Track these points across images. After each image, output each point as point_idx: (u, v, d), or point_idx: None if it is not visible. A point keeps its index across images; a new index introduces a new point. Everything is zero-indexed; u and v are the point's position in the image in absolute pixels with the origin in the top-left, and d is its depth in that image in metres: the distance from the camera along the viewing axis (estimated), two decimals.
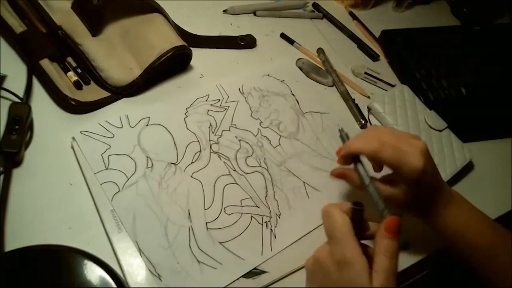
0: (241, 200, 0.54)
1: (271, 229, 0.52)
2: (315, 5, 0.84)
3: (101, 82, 0.58)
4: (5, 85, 0.55)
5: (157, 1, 0.63)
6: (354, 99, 0.70)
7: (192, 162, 0.55)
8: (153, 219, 0.49)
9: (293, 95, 0.67)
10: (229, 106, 0.62)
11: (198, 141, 0.57)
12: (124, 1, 0.61)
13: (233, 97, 0.63)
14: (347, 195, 0.58)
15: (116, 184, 0.50)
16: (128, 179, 0.51)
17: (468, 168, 0.66)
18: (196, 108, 0.60)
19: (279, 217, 0.54)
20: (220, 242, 0.50)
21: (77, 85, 0.57)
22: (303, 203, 0.56)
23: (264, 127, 0.61)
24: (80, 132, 0.53)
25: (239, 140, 0.59)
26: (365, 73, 0.75)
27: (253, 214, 0.53)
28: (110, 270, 0.44)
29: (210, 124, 0.59)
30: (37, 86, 0.57)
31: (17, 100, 0.54)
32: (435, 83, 0.75)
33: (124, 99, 0.59)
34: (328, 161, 0.61)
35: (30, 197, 0.48)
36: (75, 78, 0.58)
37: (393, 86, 0.74)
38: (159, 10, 0.63)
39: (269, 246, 0.51)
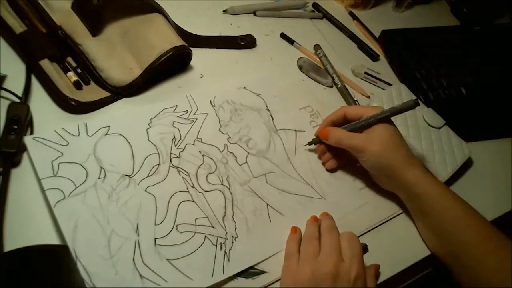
0: (196, 219, 0.51)
1: (225, 251, 0.49)
2: (315, 5, 0.84)
3: (101, 82, 0.58)
4: (5, 85, 0.55)
5: (157, 1, 0.63)
6: (354, 96, 0.70)
7: (148, 176, 0.52)
8: (97, 229, 0.47)
9: (268, 110, 0.63)
10: (197, 119, 0.59)
11: (158, 153, 0.54)
12: (124, 1, 0.61)
13: (203, 109, 0.60)
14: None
15: (62, 191, 0.48)
16: (76, 187, 0.49)
17: (466, 165, 0.66)
18: (161, 119, 0.57)
19: (236, 240, 0.50)
20: (167, 259, 0.47)
21: (77, 85, 0.57)
22: (264, 227, 0.52)
23: (232, 143, 0.58)
24: (33, 138, 0.51)
25: (203, 155, 0.56)
26: (365, 73, 0.75)
27: (207, 234, 0.50)
28: None
29: (174, 137, 0.56)
30: (37, 87, 0.57)
31: (17, 100, 0.54)
32: (435, 83, 0.75)
33: (124, 99, 0.59)
34: (296, 184, 0.57)
35: (29, 197, 0.48)
36: (75, 78, 0.58)
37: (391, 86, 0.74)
38: (159, 10, 0.63)
39: (221, 269, 0.48)
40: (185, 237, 0.49)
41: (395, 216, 0.58)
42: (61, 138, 0.52)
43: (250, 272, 0.49)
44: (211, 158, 0.56)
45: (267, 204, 0.54)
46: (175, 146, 0.55)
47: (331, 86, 0.72)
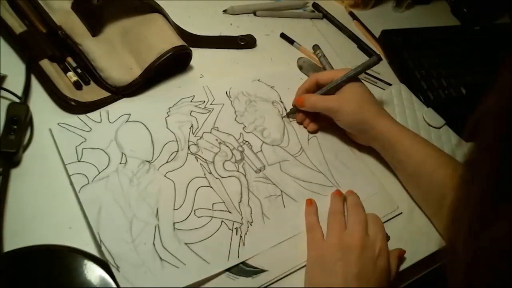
0: (213, 204, 0.52)
1: (240, 236, 0.51)
2: (315, 5, 0.84)
3: (101, 82, 0.58)
4: (5, 85, 0.55)
5: (157, 1, 0.63)
6: None
7: (167, 162, 0.54)
8: (119, 213, 0.49)
9: (281, 102, 0.65)
10: (213, 109, 0.61)
11: (177, 141, 0.56)
12: (124, 1, 0.61)
13: (219, 100, 0.62)
14: (325, 208, 0.55)
15: (86, 176, 0.50)
16: (99, 172, 0.51)
17: None
18: (179, 108, 0.59)
19: (251, 225, 0.52)
20: (186, 243, 0.49)
21: (77, 85, 0.57)
22: (278, 212, 0.54)
23: (247, 132, 0.60)
24: (58, 123, 0.53)
25: (219, 143, 0.58)
26: (365, 73, 0.74)
27: (224, 219, 0.52)
28: (110, 270, 0.44)
29: (192, 125, 0.58)
30: (37, 87, 0.57)
31: (17, 100, 0.54)
32: (435, 83, 0.75)
33: (124, 99, 0.59)
34: (310, 172, 0.59)
35: (29, 197, 0.48)
36: (75, 78, 0.58)
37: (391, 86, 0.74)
38: (159, 10, 0.63)
39: (236, 253, 0.49)
40: (202, 221, 0.51)
41: (395, 216, 0.58)
42: (84, 124, 0.54)
43: (249, 271, 0.49)
44: (228, 146, 0.58)
45: (282, 191, 0.56)
46: (193, 134, 0.57)
47: None
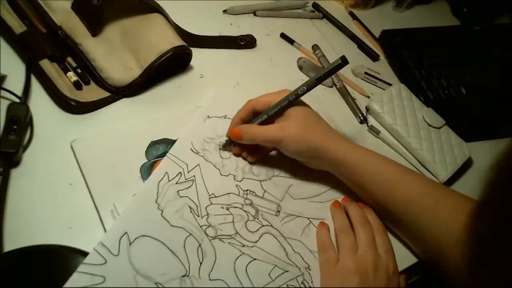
0: (269, 275, 0.49)
1: (310, 287, 0.50)
2: (315, 5, 0.84)
3: (101, 82, 0.58)
4: (5, 85, 0.55)
5: (157, 1, 0.63)
6: (353, 96, 0.70)
7: (201, 263, 0.48)
8: None
9: None
10: (194, 175, 0.54)
11: (191, 234, 0.49)
12: (124, 1, 0.61)
13: (192, 163, 0.55)
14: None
15: None
16: None
17: (467, 165, 0.66)
18: (165, 196, 0.51)
19: (310, 269, 0.51)
20: None
21: (77, 85, 0.57)
22: None
23: (240, 180, 0.55)
24: None
25: (227, 209, 0.53)
26: (365, 73, 0.75)
27: (288, 282, 0.49)
28: None
29: (190, 207, 0.51)
30: (37, 87, 0.57)
31: (17, 100, 0.54)
32: (435, 83, 0.75)
33: (124, 99, 0.59)
34: (315, 184, 0.58)
35: (29, 197, 0.48)
36: (74, 78, 0.58)
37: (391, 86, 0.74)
38: (159, 10, 0.63)
39: None
40: None
41: None
42: (92, 276, 0.44)
43: None
44: (236, 207, 0.53)
45: (308, 218, 0.55)
46: (198, 216, 0.51)
47: (331, 86, 0.72)
